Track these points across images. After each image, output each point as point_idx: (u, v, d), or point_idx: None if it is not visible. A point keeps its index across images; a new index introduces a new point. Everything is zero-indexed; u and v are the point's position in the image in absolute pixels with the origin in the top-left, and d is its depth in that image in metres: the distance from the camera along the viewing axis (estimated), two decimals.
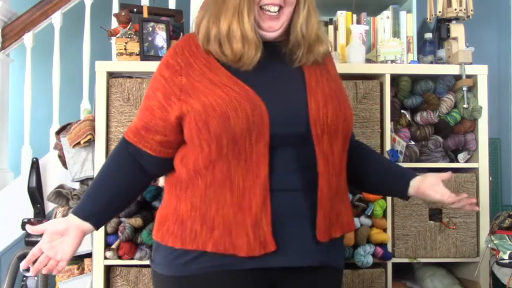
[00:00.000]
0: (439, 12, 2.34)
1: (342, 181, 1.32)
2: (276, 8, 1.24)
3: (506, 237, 1.82)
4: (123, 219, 2.16)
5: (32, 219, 2.52)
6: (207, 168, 1.22)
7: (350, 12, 2.41)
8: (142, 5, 2.51)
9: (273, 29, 1.25)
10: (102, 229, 2.13)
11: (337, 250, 1.33)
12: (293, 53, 1.30)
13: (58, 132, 2.39)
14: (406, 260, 2.19)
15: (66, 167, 2.34)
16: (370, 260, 2.12)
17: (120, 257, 2.15)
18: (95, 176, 2.15)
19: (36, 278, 2.50)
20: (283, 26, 1.28)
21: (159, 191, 2.16)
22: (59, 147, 2.37)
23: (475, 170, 2.23)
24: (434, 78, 2.27)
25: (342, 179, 1.31)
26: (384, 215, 2.17)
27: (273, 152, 1.19)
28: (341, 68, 2.20)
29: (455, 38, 2.32)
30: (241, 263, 1.21)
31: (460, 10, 2.29)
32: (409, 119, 2.31)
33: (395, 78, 2.26)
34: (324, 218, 1.24)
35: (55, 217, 2.28)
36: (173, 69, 1.28)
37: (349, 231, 1.37)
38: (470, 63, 2.24)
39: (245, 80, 1.23)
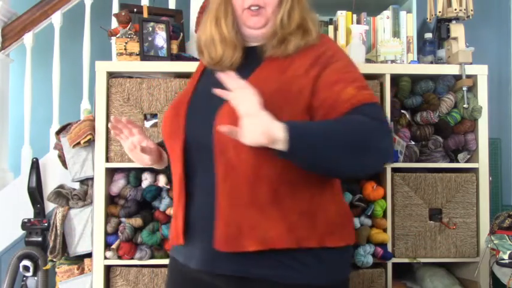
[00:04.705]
0: (439, 12, 2.34)
1: (264, 191, 1.20)
2: (256, 8, 1.31)
3: (506, 237, 1.82)
4: (123, 219, 2.17)
5: (32, 219, 2.52)
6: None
7: (350, 12, 2.42)
8: (142, 5, 2.51)
9: (257, 26, 1.31)
10: (102, 229, 2.14)
11: (283, 263, 1.21)
12: (265, 45, 1.31)
13: (58, 132, 2.39)
14: (406, 260, 2.19)
15: (66, 167, 2.34)
16: (370, 260, 2.13)
17: (120, 257, 2.15)
18: (94, 176, 2.16)
19: (36, 278, 2.50)
20: (269, 25, 1.32)
21: (159, 191, 2.17)
22: (59, 147, 2.37)
23: (475, 170, 2.23)
24: (434, 78, 2.27)
25: (264, 189, 1.20)
26: (384, 215, 2.17)
27: (191, 155, 1.29)
28: None
29: (455, 38, 2.32)
30: (177, 256, 1.37)
31: (460, 10, 2.29)
32: (409, 119, 2.31)
33: (395, 78, 2.26)
34: (224, 227, 1.20)
35: (55, 217, 2.28)
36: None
37: (284, 247, 1.20)
38: (470, 63, 2.24)
39: (202, 85, 1.36)
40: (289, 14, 1.30)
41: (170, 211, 2.12)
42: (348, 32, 2.40)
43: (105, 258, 2.13)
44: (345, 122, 1.15)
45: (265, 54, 1.31)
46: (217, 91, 1.13)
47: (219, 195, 1.22)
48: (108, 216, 2.18)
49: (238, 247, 1.20)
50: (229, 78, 1.13)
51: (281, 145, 1.08)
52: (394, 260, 2.17)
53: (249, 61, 1.33)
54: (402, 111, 2.29)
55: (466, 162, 2.27)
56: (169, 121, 1.34)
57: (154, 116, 2.18)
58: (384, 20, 2.42)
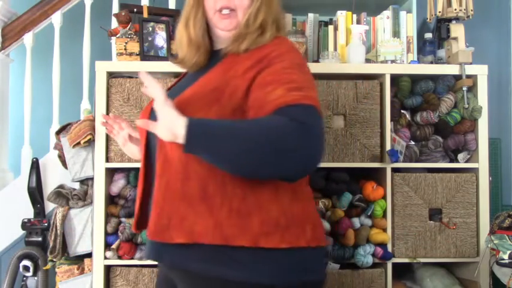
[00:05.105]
0: (439, 12, 2.34)
1: (194, 187, 1.23)
2: (227, 11, 1.34)
3: (506, 237, 1.82)
4: (123, 219, 2.17)
5: (32, 219, 2.52)
6: None
7: (350, 12, 2.42)
8: (142, 5, 2.51)
9: (228, 28, 1.34)
10: (102, 229, 2.14)
11: (212, 258, 1.22)
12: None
13: (58, 132, 2.39)
14: (406, 260, 2.19)
15: (66, 167, 2.34)
16: (370, 260, 2.13)
17: (120, 257, 2.15)
18: (94, 176, 2.16)
19: (36, 278, 2.50)
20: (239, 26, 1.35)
21: None
22: (59, 147, 2.37)
23: (475, 170, 2.23)
24: (434, 78, 2.27)
25: (194, 184, 1.23)
26: (384, 215, 2.18)
27: (151, 151, 1.35)
28: (341, 68, 2.22)
29: (455, 38, 2.32)
30: None
31: (460, 10, 2.29)
32: (409, 119, 2.31)
33: (395, 78, 2.26)
34: (156, 218, 1.26)
35: (55, 217, 2.29)
36: None
37: (210, 243, 1.21)
38: (470, 63, 2.24)
39: (178, 84, 1.40)
40: (256, 15, 1.32)
41: None
42: (348, 32, 2.40)
43: (105, 258, 2.13)
44: (254, 122, 1.15)
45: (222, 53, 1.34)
46: (142, 89, 1.21)
47: (156, 188, 1.28)
48: (108, 216, 2.18)
49: (166, 238, 1.24)
50: (144, 76, 1.18)
51: (181, 141, 1.12)
52: (394, 260, 2.17)
53: (211, 63, 1.35)
54: (402, 111, 2.29)
55: (466, 162, 2.27)
56: (140, 118, 1.41)
57: None
58: (384, 20, 2.42)
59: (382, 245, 2.16)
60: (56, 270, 2.30)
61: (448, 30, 2.38)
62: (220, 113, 1.23)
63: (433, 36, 2.45)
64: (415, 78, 2.27)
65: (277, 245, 1.21)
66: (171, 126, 1.12)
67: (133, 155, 1.55)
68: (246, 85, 1.23)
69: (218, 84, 1.26)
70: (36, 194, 2.55)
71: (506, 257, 1.79)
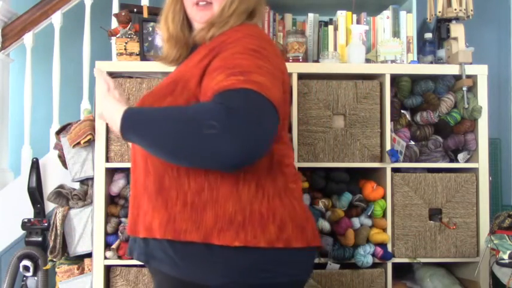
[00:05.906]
0: (439, 12, 2.34)
1: (152, 181, 1.23)
2: (204, 3, 1.33)
3: (506, 237, 1.82)
4: (123, 219, 2.17)
5: (32, 219, 2.52)
6: None
7: (350, 12, 2.42)
8: (142, 5, 2.51)
9: (203, 20, 1.32)
10: (102, 229, 2.14)
11: (165, 254, 1.20)
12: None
13: (58, 132, 2.39)
14: (406, 260, 2.19)
15: (66, 167, 2.34)
16: (370, 260, 2.13)
17: (120, 257, 2.15)
18: (94, 176, 2.16)
19: (36, 278, 2.50)
20: None
21: None
22: (59, 147, 2.37)
23: (475, 170, 2.23)
24: (434, 78, 2.27)
25: (152, 179, 1.23)
26: (384, 215, 2.18)
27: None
28: (341, 68, 2.22)
29: (455, 38, 2.32)
30: None
31: (460, 10, 2.29)
32: (409, 119, 2.31)
33: (395, 78, 2.26)
34: (130, 213, 1.31)
35: (55, 217, 2.29)
36: None
37: (162, 237, 1.19)
38: (470, 63, 2.24)
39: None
40: (230, 5, 1.31)
41: None
42: (348, 32, 2.40)
43: (105, 258, 2.13)
44: (182, 108, 1.14)
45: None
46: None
47: (131, 183, 1.34)
48: (108, 216, 2.18)
49: (135, 232, 1.28)
50: (95, 71, 1.29)
51: (120, 128, 1.15)
52: (394, 260, 2.17)
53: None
54: (402, 111, 2.29)
55: (466, 162, 2.27)
56: None
57: None
58: (384, 20, 2.42)
59: (382, 245, 2.16)
60: (56, 270, 2.31)
61: (448, 30, 2.39)
62: (174, 104, 1.22)
63: (433, 36, 2.45)
64: (415, 78, 2.27)
65: (230, 243, 1.15)
66: (112, 116, 1.18)
67: None
68: (199, 74, 1.21)
69: (176, 76, 1.27)
70: (36, 194, 2.55)
71: (506, 257, 1.79)
